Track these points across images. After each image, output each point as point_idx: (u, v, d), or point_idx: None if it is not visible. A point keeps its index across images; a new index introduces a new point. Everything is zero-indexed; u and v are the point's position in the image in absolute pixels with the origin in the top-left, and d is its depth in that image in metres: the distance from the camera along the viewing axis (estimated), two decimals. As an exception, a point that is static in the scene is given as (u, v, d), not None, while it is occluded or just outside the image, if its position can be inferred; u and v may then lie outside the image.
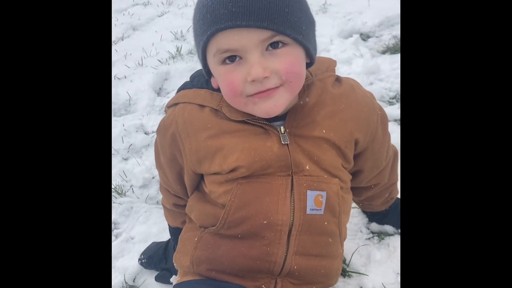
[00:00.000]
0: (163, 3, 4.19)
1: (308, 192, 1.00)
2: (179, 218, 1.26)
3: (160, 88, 2.65)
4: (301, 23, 0.89)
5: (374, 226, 1.49)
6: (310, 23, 0.94)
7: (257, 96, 0.91)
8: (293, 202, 0.99)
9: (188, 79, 1.15)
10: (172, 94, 2.50)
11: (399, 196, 1.43)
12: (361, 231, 1.49)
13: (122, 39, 3.49)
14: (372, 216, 1.50)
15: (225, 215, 1.01)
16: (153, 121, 2.29)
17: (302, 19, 0.90)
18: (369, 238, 1.47)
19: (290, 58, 0.90)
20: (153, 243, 1.53)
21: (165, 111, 1.12)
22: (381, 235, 1.47)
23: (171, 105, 1.08)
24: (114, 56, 3.12)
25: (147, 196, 1.82)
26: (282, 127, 0.99)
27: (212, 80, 1.00)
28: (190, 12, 3.70)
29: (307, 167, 0.99)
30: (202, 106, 1.02)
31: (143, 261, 1.48)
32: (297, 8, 0.88)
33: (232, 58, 0.89)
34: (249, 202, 1.00)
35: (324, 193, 1.02)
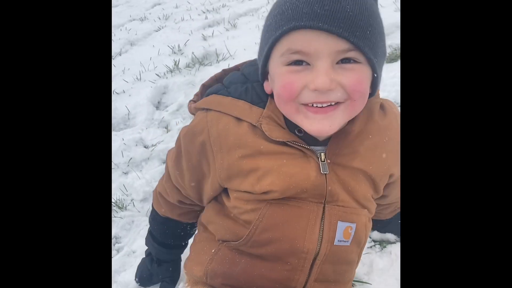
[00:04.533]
0: (159, 18, 4.23)
1: (339, 223, 0.97)
2: (177, 210, 1.21)
3: (158, 102, 2.66)
4: (377, 48, 0.86)
5: (376, 234, 1.50)
6: (383, 53, 0.90)
7: (312, 110, 0.87)
8: (322, 232, 0.97)
9: (203, 87, 1.09)
10: (172, 107, 2.51)
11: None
12: (363, 240, 1.49)
13: (120, 54, 3.51)
14: (375, 224, 1.49)
15: (250, 234, 0.98)
16: (152, 135, 2.30)
17: (379, 44, 0.86)
18: (371, 247, 1.47)
19: (360, 75, 0.85)
20: (140, 261, 1.47)
21: (190, 108, 1.07)
22: (383, 243, 1.47)
23: (202, 108, 1.01)
24: (113, 71, 3.14)
25: (148, 210, 1.82)
26: (322, 154, 0.94)
27: (265, 84, 0.96)
28: (186, 26, 3.74)
29: (341, 197, 0.96)
30: (239, 119, 0.95)
31: (138, 283, 1.45)
32: (378, 32, 0.85)
33: (299, 62, 0.84)
34: (277, 225, 0.96)
35: (354, 225, 0.99)
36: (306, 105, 0.87)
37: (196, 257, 1.12)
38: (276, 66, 0.88)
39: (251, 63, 1.07)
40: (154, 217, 1.30)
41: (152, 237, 1.32)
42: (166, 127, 2.37)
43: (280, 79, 0.87)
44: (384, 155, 1.00)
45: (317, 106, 0.86)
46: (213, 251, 1.06)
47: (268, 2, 3.91)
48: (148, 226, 1.57)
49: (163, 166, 2.04)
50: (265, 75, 0.94)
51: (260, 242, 0.98)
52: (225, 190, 1.04)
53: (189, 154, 1.03)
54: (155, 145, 2.18)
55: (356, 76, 0.85)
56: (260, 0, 4.11)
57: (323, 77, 0.82)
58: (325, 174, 0.94)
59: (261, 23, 3.81)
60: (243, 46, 3.04)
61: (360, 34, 0.81)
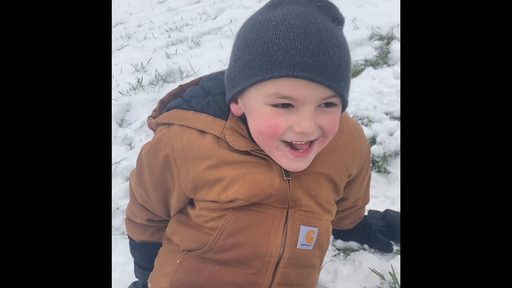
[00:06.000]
0: (122, 37, 4.21)
1: (302, 227, 1.00)
2: (149, 230, 1.22)
3: (122, 120, 2.64)
4: (349, 87, 0.91)
5: (340, 243, 1.53)
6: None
7: (292, 153, 0.91)
8: (285, 236, 0.99)
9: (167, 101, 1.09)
10: (135, 124, 2.50)
11: (366, 213, 1.49)
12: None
13: (81, 73, 3.46)
14: (338, 234, 1.54)
15: (215, 239, 0.99)
16: (116, 152, 2.27)
17: (350, 83, 0.91)
18: (335, 255, 1.50)
19: (336, 117, 0.90)
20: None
21: (150, 124, 1.07)
22: (346, 251, 1.51)
23: (164, 123, 1.02)
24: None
25: (112, 227, 1.79)
26: None
27: (234, 107, 0.96)
28: (149, 44, 3.75)
29: (304, 202, 1.00)
30: (203, 132, 0.97)
31: None
32: (350, 74, 0.90)
33: (285, 105, 0.86)
34: (242, 229, 0.98)
35: (316, 230, 1.03)
36: (285, 141, 0.91)
37: (161, 270, 1.11)
38: (258, 104, 0.88)
39: (210, 77, 1.09)
40: (132, 246, 1.30)
41: (138, 266, 1.33)
42: (130, 144, 2.35)
43: (264, 119, 0.88)
44: (341, 157, 1.04)
45: (296, 143, 0.91)
46: (178, 261, 1.06)
47: (231, 21, 3.97)
48: (112, 243, 1.55)
49: (127, 183, 2.02)
50: (232, 99, 0.96)
51: (225, 247, 0.99)
52: (189, 201, 1.05)
53: (152, 169, 1.03)
54: (119, 162, 2.16)
55: (333, 118, 0.90)
56: (223, 19, 4.17)
57: (309, 122, 0.85)
58: (288, 180, 0.97)
59: (225, 41, 3.85)
60: (207, 64, 3.07)
61: (343, 83, 0.85)
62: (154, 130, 1.08)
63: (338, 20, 0.89)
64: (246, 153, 0.96)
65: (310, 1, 0.86)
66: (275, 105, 0.86)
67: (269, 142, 0.91)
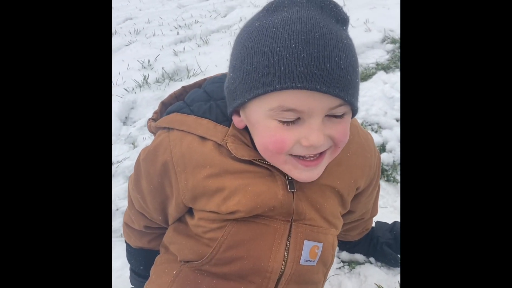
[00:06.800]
0: (130, 33, 4.18)
1: (305, 242, 0.95)
2: (146, 237, 1.17)
3: (126, 117, 2.59)
4: (359, 93, 0.84)
5: (345, 254, 1.47)
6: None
7: (302, 163, 0.85)
8: (288, 250, 0.94)
9: (166, 103, 1.05)
10: (139, 122, 2.45)
11: (373, 225, 1.43)
12: (331, 261, 1.46)
13: (88, 68, 3.43)
14: (343, 245, 1.48)
15: (214, 251, 0.94)
16: (118, 151, 2.23)
17: (359, 88, 0.84)
18: (339, 268, 1.44)
19: (346, 126, 0.85)
20: None
21: (149, 127, 1.03)
22: (351, 263, 1.45)
23: (164, 127, 0.97)
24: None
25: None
26: None
27: (236, 119, 0.90)
28: (158, 41, 3.70)
29: (308, 216, 0.94)
30: (203, 138, 0.92)
31: None
32: (359, 77, 0.83)
33: (291, 118, 0.80)
34: (242, 242, 0.93)
35: (320, 245, 0.97)
36: (293, 156, 0.85)
37: (156, 279, 1.07)
38: (262, 118, 0.82)
39: (213, 80, 1.03)
40: (129, 251, 1.27)
41: (134, 273, 1.30)
42: (133, 143, 2.30)
43: (270, 134, 0.82)
44: (349, 169, 0.98)
45: (305, 156, 0.85)
46: (174, 272, 1.01)
47: (241, 20, 3.92)
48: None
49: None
50: (234, 111, 0.90)
51: (223, 260, 0.94)
52: (188, 210, 1.00)
53: (150, 175, 0.98)
54: (121, 161, 2.12)
55: (343, 127, 0.84)
56: (233, 17, 4.12)
57: (317, 135, 0.80)
58: (293, 192, 0.92)
59: (233, 40, 3.84)
60: (215, 62, 3.02)
61: (352, 90, 0.79)
62: (154, 133, 1.03)
63: (342, 20, 0.82)
64: (249, 162, 0.91)
65: (311, 2, 0.80)
66: (280, 120, 0.80)
67: (277, 157, 0.86)
